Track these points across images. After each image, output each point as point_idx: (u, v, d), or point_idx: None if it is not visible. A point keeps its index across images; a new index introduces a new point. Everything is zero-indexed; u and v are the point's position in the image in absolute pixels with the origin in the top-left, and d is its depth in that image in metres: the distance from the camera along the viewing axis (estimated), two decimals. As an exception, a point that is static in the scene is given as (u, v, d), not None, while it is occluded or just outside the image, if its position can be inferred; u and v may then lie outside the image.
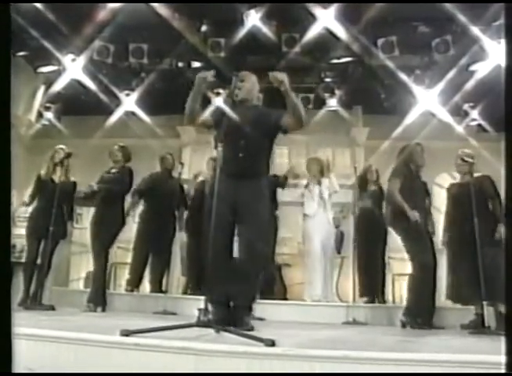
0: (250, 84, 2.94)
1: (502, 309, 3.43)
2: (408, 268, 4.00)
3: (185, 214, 5.39)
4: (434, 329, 3.61)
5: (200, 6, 5.72)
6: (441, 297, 4.12)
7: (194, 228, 4.99)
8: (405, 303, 3.99)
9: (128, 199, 4.92)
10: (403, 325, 3.71)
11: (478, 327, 3.61)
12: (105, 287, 4.47)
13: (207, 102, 6.88)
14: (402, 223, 3.84)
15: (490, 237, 3.68)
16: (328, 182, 5.23)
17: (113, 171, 4.62)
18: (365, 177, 5.21)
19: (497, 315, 3.54)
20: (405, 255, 3.97)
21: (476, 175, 3.96)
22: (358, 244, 4.93)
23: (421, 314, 3.72)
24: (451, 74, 5.91)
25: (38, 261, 4.48)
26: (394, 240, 4.28)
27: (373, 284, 4.98)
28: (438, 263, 3.88)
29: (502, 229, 3.75)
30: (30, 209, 4.85)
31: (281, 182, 4.97)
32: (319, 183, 5.22)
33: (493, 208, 3.87)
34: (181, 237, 5.57)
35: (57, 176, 4.55)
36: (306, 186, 5.21)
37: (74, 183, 4.76)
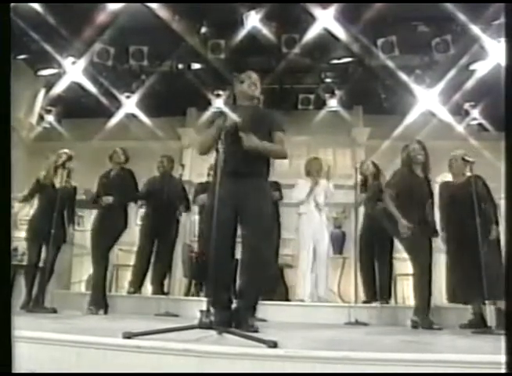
0: (258, 83, 3.01)
1: (501, 306, 3.43)
2: (410, 268, 3.99)
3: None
4: (440, 329, 3.60)
5: (200, 8, 5.72)
6: (442, 296, 4.12)
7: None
8: (413, 304, 3.95)
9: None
10: (415, 326, 3.68)
11: (478, 326, 3.61)
12: (105, 290, 4.46)
13: (207, 103, 6.91)
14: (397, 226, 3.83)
15: (485, 237, 3.68)
16: (325, 185, 5.22)
17: (114, 173, 4.62)
18: (363, 174, 5.16)
19: (497, 314, 3.54)
20: (406, 255, 3.97)
21: (467, 174, 3.97)
22: (362, 243, 4.91)
23: (429, 313, 3.71)
24: (451, 74, 5.91)
25: (40, 264, 4.48)
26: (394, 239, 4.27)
27: (376, 286, 4.95)
28: (436, 262, 3.88)
29: (495, 230, 3.79)
30: (31, 212, 4.84)
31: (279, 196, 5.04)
32: (317, 184, 5.20)
33: (487, 209, 3.86)
34: (182, 239, 5.58)
35: (58, 180, 4.53)
36: (308, 187, 5.21)
37: (75, 188, 4.75)
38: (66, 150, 4.74)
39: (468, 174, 3.96)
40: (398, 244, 4.33)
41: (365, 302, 4.84)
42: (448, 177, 4.48)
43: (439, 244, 4.19)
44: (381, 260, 4.92)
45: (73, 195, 4.74)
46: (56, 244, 4.38)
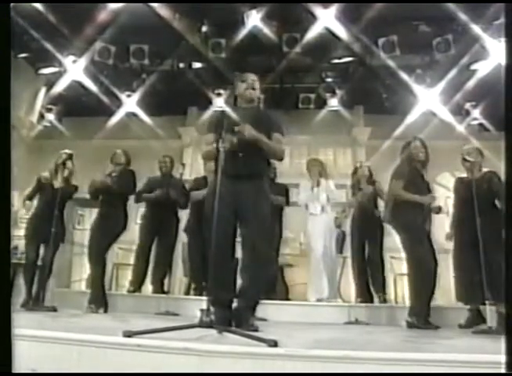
0: (257, 85, 3.01)
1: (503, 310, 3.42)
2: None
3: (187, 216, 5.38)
4: (439, 329, 3.60)
5: (201, 7, 5.72)
6: (443, 296, 4.12)
7: (195, 229, 4.99)
8: (408, 303, 3.96)
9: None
10: (410, 326, 3.67)
11: (476, 324, 3.61)
12: (104, 289, 4.45)
13: (207, 102, 6.90)
14: (404, 222, 3.83)
15: (497, 236, 3.65)
16: (325, 185, 5.25)
17: (115, 174, 4.62)
18: (357, 175, 5.20)
19: (499, 315, 3.53)
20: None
21: (484, 170, 3.94)
22: (354, 242, 4.94)
23: (426, 314, 3.70)
24: (452, 74, 5.91)
25: (39, 262, 4.48)
26: (395, 239, 4.27)
27: (368, 284, 4.97)
28: (439, 263, 3.87)
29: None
30: (31, 211, 4.84)
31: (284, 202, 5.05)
32: (318, 184, 5.23)
33: (501, 206, 3.83)
34: (183, 238, 5.58)
35: (58, 179, 4.53)
36: (310, 187, 5.24)
37: (75, 187, 4.74)
38: (67, 151, 4.74)
39: (484, 170, 3.94)
40: (396, 243, 4.34)
41: (360, 302, 4.85)
42: (448, 177, 4.48)
43: (440, 244, 4.20)
44: (373, 258, 4.97)
45: (73, 195, 4.71)
46: (56, 242, 4.37)
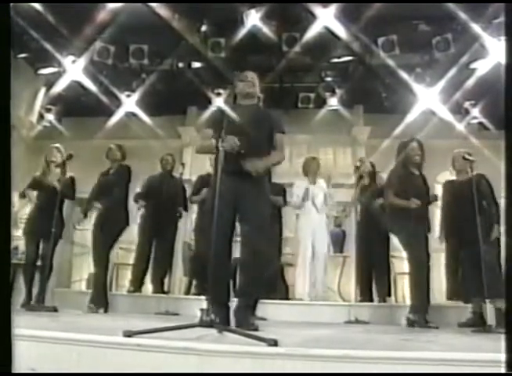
0: (256, 82, 3.01)
1: (501, 306, 3.44)
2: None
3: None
4: (436, 328, 3.60)
5: (200, 7, 5.71)
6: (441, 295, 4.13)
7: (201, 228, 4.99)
8: (409, 302, 3.96)
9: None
10: (411, 324, 3.68)
11: (477, 325, 3.62)
12: (106, 289, 4.47)
13: (207, 101, 6.90)
14: (403, 226, 3.84)
15: (485, 237, 3.68)
16: (323, 187, 5.26)
17: (112, 171, 4.62)
18: (361, 172, 5.18)
19: (497, 313, 3.54)
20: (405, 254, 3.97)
21: (471, 173, 3.98)
22: (359, 241, 4.93)
23: (426, 312, 3.71)
24: (451, 72, 5.90)
25: (38, 262, 4.48)
26: (395, 238, 4.28)
27: (372, 284, 4.97)
28: (435, 261, 3.89)
29: (496, 229, 3.80)
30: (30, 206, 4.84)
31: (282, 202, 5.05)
32: (314, 183, 5.23)
33: (488, 208, 3.86)
34: (182, 238, 5.58)
35: (55, 177, 4.53)
36: (307, 186, 5.23)
37: (72, 179, 4.70)
38: (57, 145, 4.72)
39: (472, 172, 3.97)
40: (396, 242, 4.35)
41: (360, 301, 4.84)
42: (448, 176, 4.49)
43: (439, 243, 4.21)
44: (379, 258, 4.95)
45: (71, 185, 4.66)
46: (55, 238, 4.34)
